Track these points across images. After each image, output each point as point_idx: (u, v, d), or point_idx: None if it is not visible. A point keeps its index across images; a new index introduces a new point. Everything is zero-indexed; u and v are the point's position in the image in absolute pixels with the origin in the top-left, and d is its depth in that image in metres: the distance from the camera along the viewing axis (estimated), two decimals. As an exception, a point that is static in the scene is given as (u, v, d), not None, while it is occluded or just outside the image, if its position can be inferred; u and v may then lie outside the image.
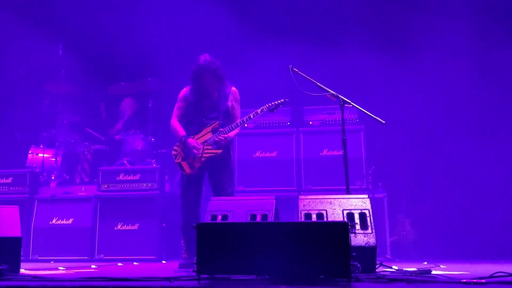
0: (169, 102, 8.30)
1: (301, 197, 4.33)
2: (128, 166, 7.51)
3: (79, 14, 8.47)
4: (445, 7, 7.75)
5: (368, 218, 4.04)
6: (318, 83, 4.99)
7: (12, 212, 4.00)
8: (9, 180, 7.33)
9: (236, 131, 5.47)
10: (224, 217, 4.28)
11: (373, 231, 3.97)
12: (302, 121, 7.65)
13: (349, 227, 3.00)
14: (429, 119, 7.75)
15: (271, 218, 4.19)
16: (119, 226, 6.90)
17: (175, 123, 5.56)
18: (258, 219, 4.20)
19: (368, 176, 7.04)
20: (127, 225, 6.89)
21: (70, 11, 8.43)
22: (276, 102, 5.38)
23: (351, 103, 4.86)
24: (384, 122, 4.77)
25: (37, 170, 7.69)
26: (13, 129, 8.65)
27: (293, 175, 7.28)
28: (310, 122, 7.57)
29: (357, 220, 4.03)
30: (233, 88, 5.57)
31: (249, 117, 5.35)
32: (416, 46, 7.74)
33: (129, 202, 6.97)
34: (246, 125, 5.48)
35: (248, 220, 4.20)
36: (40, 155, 7.90)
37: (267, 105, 5.38)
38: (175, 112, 5.61)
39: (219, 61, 5.44)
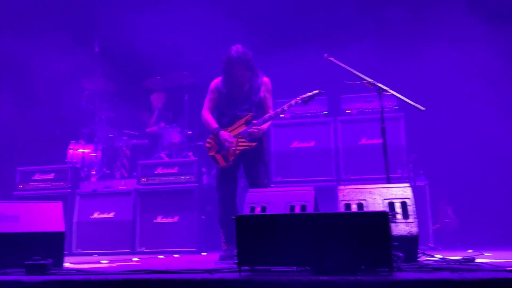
0: (205, 95, 8.40)
1: (340, 187, 4.27)
2: (166, 159, 7.57)
3: (113, 11, 8.54)
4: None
5: (410, 207, 3.96)
6: (354, 71, 4.90)
7: (55, 208, 4.07)
8: (51, 176, 7.48)
9: (269, 123, 5.42)
10: (263, 208, 4.25)
11: (415, 220, 3.89)
12: (339, 110, 7.56)
13: (390, 216, 2.94)
14: (471, 103, 7.56)
15: (310, 209, 4.15)
16: (158, 219, 6.97)
17: (207, 115, 5.51)
18: (297, 210, 4.16)
19: (409, 164, 6.91)
20: (167, 217, 6.96)
21: (104, 8, 8.52)
22: (310, 94, 5.28)
23: (389, 90, 4.76)
24: (423, 108, 4.66)
25: (78, 165, 7.82)
26: (53, 125, 8.82)
27: (332, 165, 7.21)
28: (348, 111, 7.48)
29: (398, 209, 3.96)
30: (265, 79, 5.50)
31: (283, 109, 5.28)
32: (454, 28, 7.56)
33: (168, 195, 7.04)
34: (282, 115, 5.41)
35: (287, 211, 4.17)
36: (80, 150, 8.03)
37: (301, 97, 5.29)
38: (206, 104, 5.55)
39: (251, 52, 5.38)
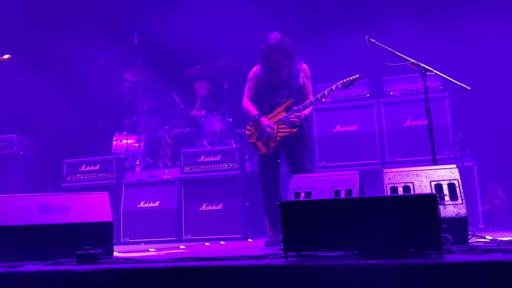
0: (244, 82, 8.39)
1: (386, 170, 4.21)
2: (208, 147, 7.61)
3: (151, 1, 8.61)
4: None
5: (458, 189, 3.88)
6: (396, 52, 4.81)
7: (102, 198, 4.14)
8: (97, 167, 7.62)
9: (309, 109, 5.37)
10: (307, 194, 4.22)
11: (463, 201, 3.81)
12: (382, 92, 7.45)
13: (438, 198, 2.88)
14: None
15: (355, 194, 4.11)
16: (203, 207, 7.03)
17: (246, 103, 5.53)
18: (342, 195, 4.12)
19: (455, 145, 6.76)
20: (211, 205, 7.01)
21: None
22: (351, 78, 5.20)
23: (433, 70, 4.65)
24: (469, 88, 4.54)
25: (122, 156, 7.96)
26: (97, 117, 8.97)
27: (376, 148, 7.12)
28: (391, 93, 7.36)
29: (446, 191, 3.88)
30: (304, 65, 5.47)
31: (324, 94, 5.23)
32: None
33: (211, 183, 7.09)
34: (323, 100, 5.36)
35: (332, 196, 4.13)
36: (124, 141, 8.17)
37: (341, 81, 5.23)
38: (246, 92, 5.57)
39: (289, 39, 5.35)
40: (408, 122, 7.05)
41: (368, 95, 7.42)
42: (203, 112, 8.15)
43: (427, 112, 4.56)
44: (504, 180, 7.12)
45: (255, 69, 5.56)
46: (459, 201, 3.83)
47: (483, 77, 7.20)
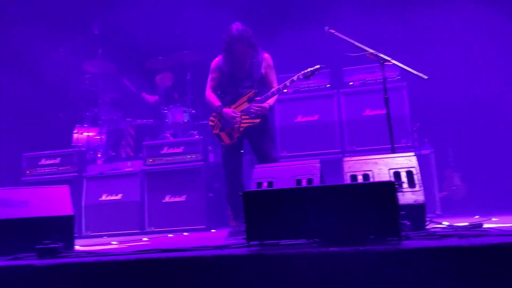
0: (207, 73, 8.36)
1: (346, 159, 4.28)
2: (171, 139, 7.59)
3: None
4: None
5: (415, 176, 3.97)
6: (356, 43, 4.88)
7: (63, 192, 4.10)
8: (57, 160, 7.51)
9: (273, 99, 5.38)
10: (270, 183, 4.27)
11: (421, 188, 3.90)
12: (342, 82, 7.53)
13: (396, 186, 2.95)
14: (473, 69, 7.52)
15: (316, 182, 4.17)
16: (167, 199, 7.01)
17: (209, 94, 5.54)
18: (304, 183, 4.18)
19: (413, 134, 6.91)
20: (175, 197, 7.00)
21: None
22: (312, 69, 5.24)
23: (391, 60, 4.73)
24: (426, 77, 4.63)
25: (83, 148, 7.86)
26: (57, 109, 8.83)
27: (337, 138, 7.21)
28: (351, 83, 7.45)
29: (404, 178, 3.96)
30: (266, 55, 5.49)
31: (285, 85, 5.26)
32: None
33: (175, 175, 7.07)
34: (285, 90, 5.40)
35: (294, 185, 4.19)
36: (85, 134, 8.06)
37: (302, 72, 5.26)
38: (209, 83, 5.58)
39: (251, 29, 5.37)
40: (368, 112, 7.16)
41: (328, 86, 7.49)
42: (157, 98, 8.12)
43: (385, 102, 4.64)
44: (461, 167, 7.32)
45: (217, 59, 5.55)
46: (417, 188, 3.92)
47: (440, 66, 7.35)
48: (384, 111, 4.68)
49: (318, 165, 4.33)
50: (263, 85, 5.45)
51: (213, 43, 7.97)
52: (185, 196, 6.97)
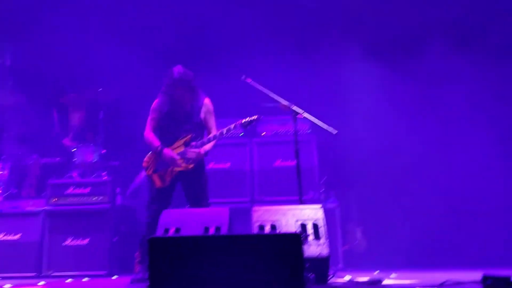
0: (121, 113, 8.26)
1: (255, 208, 4.33)
2: (79, 179, 7.34)
3: (27, 23, 8.28)
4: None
5: (321, 228, 4.07)
6: (271, 94, 5.02)
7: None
8: (-47, 195, 7.05)
9: (210, 145, 5.41)
10: (177, 230, 4.21)
11: (326, 241, 3.99)
12: (255, 132, 7.66)
13: (302, 238, 3.01)
14: (379, 127, 7.90)
15: (224, 231, 4.16)
16: (68, 241, 6.72)
17: (149, 134, 5.49)
18: (212, 231, 4.16)
19: (320, 186, 7.09)
20: (77, 239, 6.73)
21: (17, 19, 8.25)
22: (250, 119, 5.34)
23: (303, 113, 4.90)
24: (335, 132, 4.82)
25: (-17, 184, 7.43)
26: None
27: (247, 186, 7.26)
28: (263, 133, 7.58)
29: (310, 230, 4.05)
30: (206, 99, 5.55)
31: (222, 133, 5.32)
32: (360, 48, 7.95)
33: (79, 216, 6.81)
34: (222, 137, 5.44)
35: (202, 232, 4.16)
36: (-14, 168, 7.64)
37: (240, 121, 5.35)
38: (149, 124, 5.54)
39: (192, 72, 5.41)
40: (278, 162, 7.29)
41: (241, 134, 7.58)
42: (75, 143, 7.88)
43: (296, 154, 4.77)
44: (363, 222, 7.56)
45: (157, 101, 5.54)
46: (322, 241, 4.01)
47: (349, 121, 7.66)
48: (294, 163, 4.80)
49: (227, 213, 4.34)
50: (202, 129, 5.49)
51: (129, 83, 7.99)
52: (88, 239, 6.72)
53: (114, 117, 8.09)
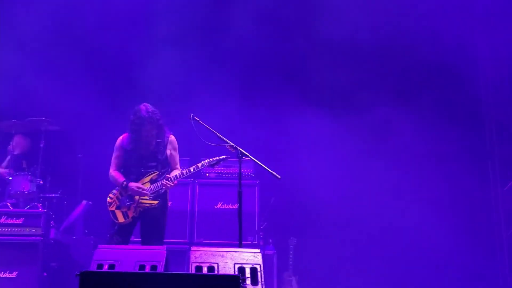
0: (63, 144, 8.08)
1: (193, 248, 4.29)
2: (11, 209, 7.07)
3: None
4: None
5: (259, 273, 4.04)
6: (218, 134, 5.04)
7: None
8: None
9: (175, 182, 5.42)
10: (111, 266, 4.11)
11: (263, 286, 3.97)
12: (199, 172, 7.61)
13: (240, 281, 2.98)
14: (322, 176, 8.01)
15: (160, 269, 4.09)
16: (-5, 274, 6.40)
17: (114, 172, 5.48)
18: (147, 269, 4.07)
19: (259, 232, 7.08)
20: (4, 272, 6.41)
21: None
22: (218, 158, 5.41)
23: (249, 156, 4.94)
24: (279, 177, 4.86)
25: None
26: None
27: (186, 227, 7.18)
28: (207, 174, 7.55)
29: (248, 274, 4.02)
30: (172, 137, 5.58)
31: (189, 171, 5.38)
32: (306, 101, 8.20)
33: (9, 248, 6.49)
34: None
35: (137, 270, 4.06)
36: None
37: (208, 160, 5.42)
38: (113, 161, 5.52)
39: (159, 110, 5.41)
40: (219, 205, 7.26)
41: (207, 175, 7.54)
42: (11, 171, 7.61)
43: (239, 196, 4.76)
44: (299, 271, 7.57)
45: (121, 138, 5.53)
46: (259, 286, 3.98)
47: (292, 169, 7.74)
48: (235, 206, 4.81)
49: (164, 252, 4.28)
50: (166, 166, 5.50)
51: (73, 114, 7.88)
52: (16, 272, 6.41)
53: (56, 148, 7.90)
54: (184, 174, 5.43)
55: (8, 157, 7.98)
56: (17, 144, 8.04)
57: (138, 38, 8.60)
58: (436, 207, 8.00)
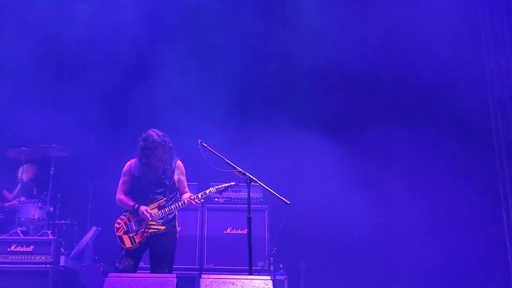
0: (72, 170, 8.12)
1: (203, 276, 4.27)
2: (22, 236, 7.09)
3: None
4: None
5: (270, 301, 4.02)
6: (226, 160, 5.05)
7: None
8: None
9: (202, 200, 5.42)
10: (122, 295, 4.10)
11: (274, 313, 3.94)
12: (208, 197, 7.60)
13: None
14: (327, 199, 8.00)
15: (171, 298, 4.07)
16: (5, 302, 6.40)
17: (121, 197, 5.43)
18: (158, 298, 4.06)
19: (270, 257, 7.05)
20: (15, 300, 6.41)
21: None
22: (226, 185, 5.36)
23: (258, 181, 4.94)
24: (288, 202, 4.85)
25: None
26: None
27: (196, 253, 7.17)
28: (216, 199, 7.55)
29: (258, 302, 4.00)
30: (179, 162, 5.56)
31: (197, 197, 5.33)
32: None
33: (19, 275, 6.50)
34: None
35: (147, 299, 4.05)
36: None
37: (216, 187, 5.37)
38: (121, 186, 5.47)
39: (167, 135, 5.44)
40: (229, 230, 7.24)
41: (216, 199, 7.54)
42: (22, 198, 7.64)
43: (248, 222, 4.74)
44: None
45: (129, 163, 5.49)
46: (271, 314, 3.96)
47: (300, 195, 7.73)
48: (244, 231, 4.79)
49: (174, 280, 4.26)
50: (174, 191, 5.47)
51: (82, 140, 7.94)
52: (27, 301, 6.41)
53: (65, 174, 7.94)
54: (189, 203, 5.40)
55: (19, 185, 8.02)
56: (26, 171, 8.09)
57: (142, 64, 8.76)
58: (448, 229, 7.95)
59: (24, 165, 8.11)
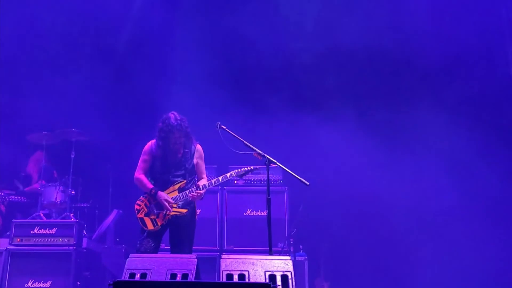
0: (92, 154, 8.19)
1: (224, 256, 4.29)
2: (44, 219, 7.19)
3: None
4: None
5: (290, 281, 4.03)
6: (245, 142, 5.06)
7: None
8: None
9: (203, 191, 5.47)
10: (143, 275, 4.13)
11: (293, 293, 3.95)
12: (227, 180, 7.63)
13: (271, 288, 2.98)
14: (351, 182, 7.95)
15: (191, 278, 4.10)
16: (29, 283, 6.49)
17: (141, 176, 5.50)
18: (179, 278, 4.09)
19: (290, 238, 7.06)
20: (39, 282, 6.51)
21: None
22: (246, 169, 5.50)
23: (277, 163, 4.94)
24: (308, 183, 4.85)
25: None
26: None
27: (216, 235, 7.21)
28: (235, 181, 7.56)
29: (279, 282, 4.01)
30: (198, 146, 5.63)
31: (218, 180, 5.44)
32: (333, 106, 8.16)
33: (43, 258, 6.59)
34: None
35: (168, 279, 4.08)
36: None
37: (236, 171, 5.50)
38: (140, 165, 5.55)
39: (186, 118, 5.45)
40: (249, 212, 7.27)
41: (235, 182, 7.56)
42: (43, 182, 7.73)
43: (268, 203, 4.75)
44: (331, 277, 7.52)
45: (150, 143, 5.57)
46: (291, 293, 3.96)
47: (320, 176, 7.70)
48: (264, 213, 4.80)
49: (195, 260, 4.29)
50: (193, 175, 5.56)
51: (102, 124, 7.99)
52: (50, 282, 6.50)
53: (86, 159, 8.01)
54: (213, 183, 5.48)
55: (40, 169, 8.10)
56: (48, 155, 8.18)
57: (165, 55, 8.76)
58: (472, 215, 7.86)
59: (42, 148, 8.14)
